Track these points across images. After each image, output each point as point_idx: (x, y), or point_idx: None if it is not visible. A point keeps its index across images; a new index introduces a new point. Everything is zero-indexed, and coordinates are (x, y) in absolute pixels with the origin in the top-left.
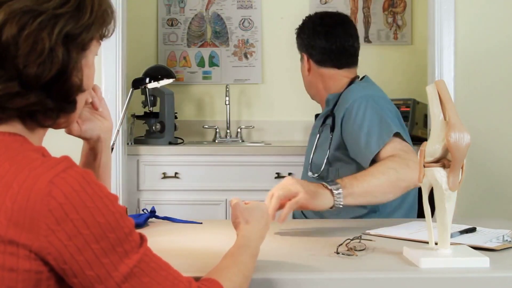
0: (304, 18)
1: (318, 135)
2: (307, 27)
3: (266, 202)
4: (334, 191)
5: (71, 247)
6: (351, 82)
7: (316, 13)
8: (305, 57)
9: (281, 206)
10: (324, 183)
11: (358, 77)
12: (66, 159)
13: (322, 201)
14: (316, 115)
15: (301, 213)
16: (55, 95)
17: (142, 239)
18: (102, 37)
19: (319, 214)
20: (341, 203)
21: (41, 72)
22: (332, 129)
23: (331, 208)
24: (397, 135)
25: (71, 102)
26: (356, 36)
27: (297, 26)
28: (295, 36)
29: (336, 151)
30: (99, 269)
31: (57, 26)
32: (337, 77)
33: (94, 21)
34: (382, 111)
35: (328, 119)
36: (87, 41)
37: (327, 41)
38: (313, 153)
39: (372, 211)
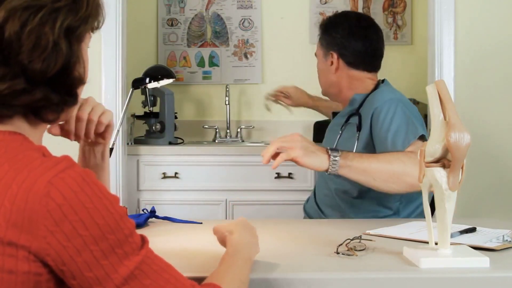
0: (337, 15)
1: (340, 133)
2: (342, 27)
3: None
4: (331, 157)
5: (70, 249)
6: (377, 85)
7: (350, 12)
8: (335, 56)
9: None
10: (327, 148)
11: (380, 81)
12: (65, 158)
13: (315, 162)
14: (334, 113)
15: (317, 206)
16: (59, 89)
17: (144, 240)
18: (94, 29)
19: (339, 209)
20: (336, 171)
21: (46, 67)
22: (359, 128)
23: (326, 171)
24: (421, 138)
25: (73, 95)
26: (383, 40)
27: (327, 22)
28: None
29: (363, 150)
30: (98, 270)
31: (58, 20)
32: (364, 79)
33: (91, 13)
34: (411, 114)
35: (352, 117)
36: (84, 34)
37: (363, 44)
38: None
39: (394, 214)
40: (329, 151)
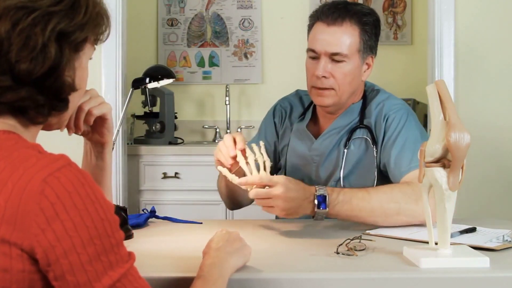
0: (369, 11)
1: (345, 151)
2: (378, 25)
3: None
4: (316, 212)
5: (58, 249)
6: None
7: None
8: (371, 59)
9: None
10: (314, 196)
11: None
12: (62, 157)
13: (299, 215)
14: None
15: None
16: (46, 92)
17: (130, 256)
18: (96, 41)
19: None
20: (322, 219)
21: (33, 68)
22: (374, 142)
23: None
24: None
25: (63, 101)
26: None
27: (374, 20)
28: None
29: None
30: (81, 275)
31: (50, 23)
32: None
33: (88, 21)
34: (418, 130)
35: (357, 131)
36: (80, 41)
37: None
38: (345, 171)
39: None
40: (316, 202)
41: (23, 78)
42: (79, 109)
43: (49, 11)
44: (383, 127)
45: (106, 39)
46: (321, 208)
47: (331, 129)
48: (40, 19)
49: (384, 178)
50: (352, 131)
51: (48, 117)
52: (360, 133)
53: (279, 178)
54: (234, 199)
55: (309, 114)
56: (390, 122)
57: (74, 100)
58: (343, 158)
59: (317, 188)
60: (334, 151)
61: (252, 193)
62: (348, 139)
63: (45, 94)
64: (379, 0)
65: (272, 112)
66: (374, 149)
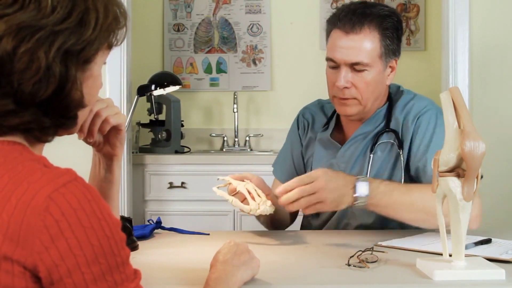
0: (389, 12)
1: (371, 156)
2: (400, 26)
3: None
4: (356, 203)
5: (61, 268)
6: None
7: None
8: (395, 62)
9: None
10: (354, 188)
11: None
12: (68, 172)
13: (342, 207)
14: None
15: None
16: (52, 113)
17: (136, 275)
18: (110, 45)
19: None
20: (361, 209)
21: (36, 91)
22: (400, 146)
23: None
24: None
25: (71, 118)
26: None
27: (396, 20)
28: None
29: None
30: None
31: (55, 43)
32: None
33: (99, 35)
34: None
35: (383, 135)
36: (91, 55)
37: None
38: (370, 177)
39: None
40: (356, 194)
41: (26, 101)
42: (96, 115)
43: (55, 31)
44: (412, 129)
45: (122, 42)
46: (361, 201)
47: (356, 135)
48: (44, 40)
49: (411, 182)
50: (378, 136)
51: (55, 136)
52: (387, 137)
53: (317, 171)
54: (274, 220)
55: (333, 123)
56: (419, 124)
57: (82, 114)
58: (368, 164)
59: (358, 177)
60: (360, 157)
61: (295, 192)
62: (374, 145)
63: (51, 115)
64: (391, 4)
65: (296, 124)
66: (401, 153)
